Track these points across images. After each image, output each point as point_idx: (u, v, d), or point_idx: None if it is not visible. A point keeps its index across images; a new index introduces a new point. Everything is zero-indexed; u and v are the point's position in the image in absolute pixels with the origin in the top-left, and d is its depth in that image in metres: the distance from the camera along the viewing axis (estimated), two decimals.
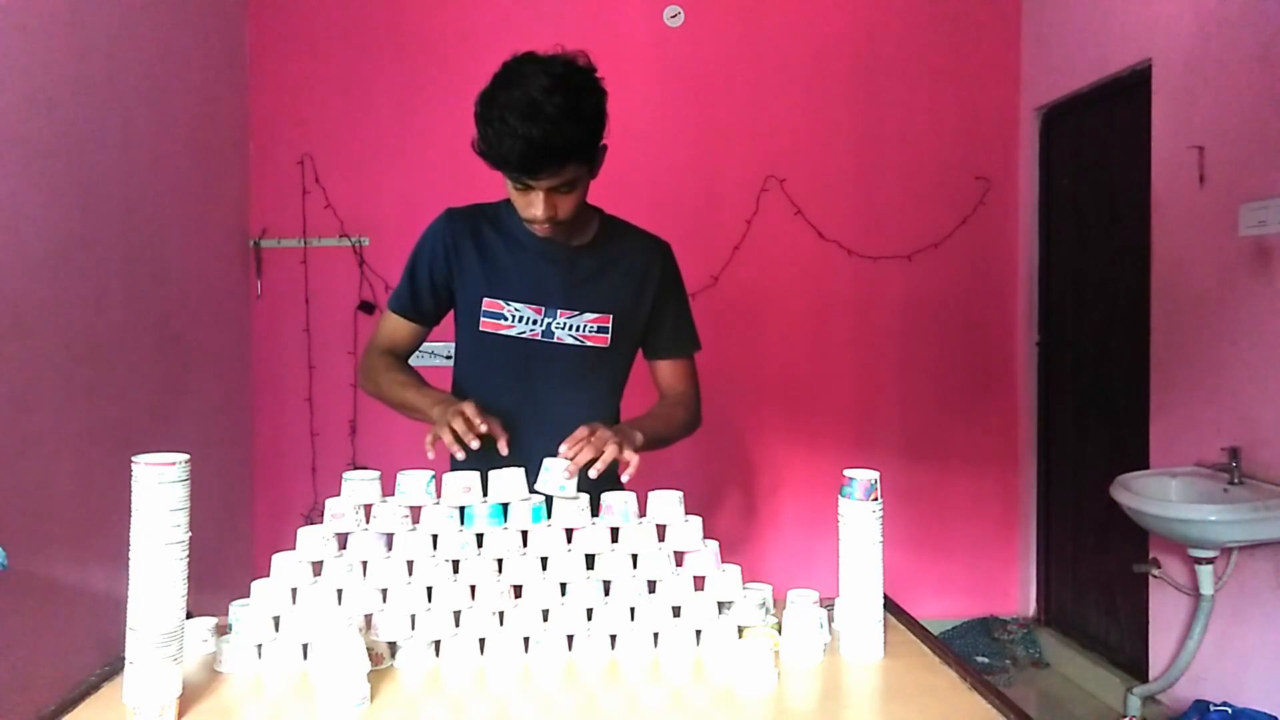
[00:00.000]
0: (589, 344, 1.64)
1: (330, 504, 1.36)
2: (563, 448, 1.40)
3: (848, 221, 3.65)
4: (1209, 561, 2.57)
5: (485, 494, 1.38)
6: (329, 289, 3.53)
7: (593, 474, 1.39)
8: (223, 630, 1.37)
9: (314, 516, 3.38)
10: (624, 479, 1.43)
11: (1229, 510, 2.40)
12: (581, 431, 1.42)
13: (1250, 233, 2.51)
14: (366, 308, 3.53)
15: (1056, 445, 3.60)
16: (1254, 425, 2.53)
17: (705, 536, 1.42)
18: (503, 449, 1.45)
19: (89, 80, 2.44)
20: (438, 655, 1.33)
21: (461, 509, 1.37)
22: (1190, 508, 2.50)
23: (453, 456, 1.42)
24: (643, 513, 1.42)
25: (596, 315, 1.64)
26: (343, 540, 1.35)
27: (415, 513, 1.38)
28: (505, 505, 1.38)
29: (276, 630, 1.32)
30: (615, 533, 1.39)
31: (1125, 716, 2.87)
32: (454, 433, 1.41)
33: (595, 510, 1.41)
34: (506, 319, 1.62)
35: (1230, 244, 2.59)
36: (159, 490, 1.14)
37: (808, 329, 3.67)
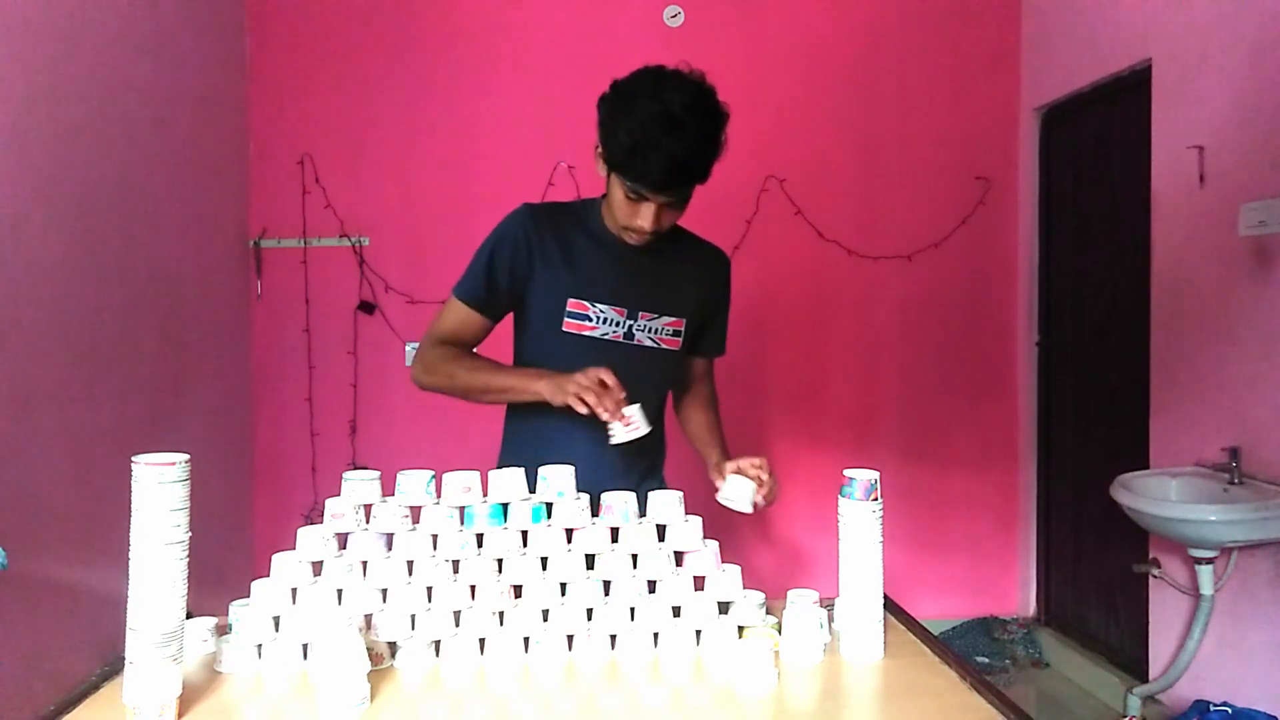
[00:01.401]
0: (665, 346, 1.68)
1: (330, 504, 1.36)
2: (751, 471, 1.57)
3: (848, 221, 3.65)
4: (1209, 561, 2.57)
5: (485, 494, 1.39)
6: (329, 289, 3.53)
7: (761, 502, 1.58)
8: (223, 630, 1.37)
9: (314, 516, 3.38)
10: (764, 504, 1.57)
11: (1229, 510, 2.40)
12: (760, 461, 1.60)
13: (1250, 233, 2.51)
14: (366, 308, 3.53)
15: (1056, 445, 3.60)
16: (1254, 425, 2.53)
17: (705, 536, 1.42)
18: (632, 419, 1.48)
19: (89, 80, 2.44)
20: (438, 655, 1.33)
21: (461, 509, 1.37)
22: (1190, 508, 2.50)
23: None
24: (643, 513, 1.42)
25: (673, 319, 1.67)
26: (343, 540, 1.35)
27: (415, 513, 1.39)
28: (505, 505, 1.38)
29: (276, 630, 1.32)
30: (615, 533, 1.39)
31: (1125, 716, 2.87)
32: (596, 396, 1.44)
33: (595, 510, 1.42)
34: (591, 320, 1.62)
35: (1230, 244, 2.59)
36: (159, 490, 1.14)
37: (808, 329, 3.67)
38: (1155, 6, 2.90)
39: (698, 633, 1.37)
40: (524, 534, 1.37)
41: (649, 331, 1.65)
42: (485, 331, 1.68)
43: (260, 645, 1.31)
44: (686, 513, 1.42)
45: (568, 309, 1.61)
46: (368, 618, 1.31)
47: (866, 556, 1.34)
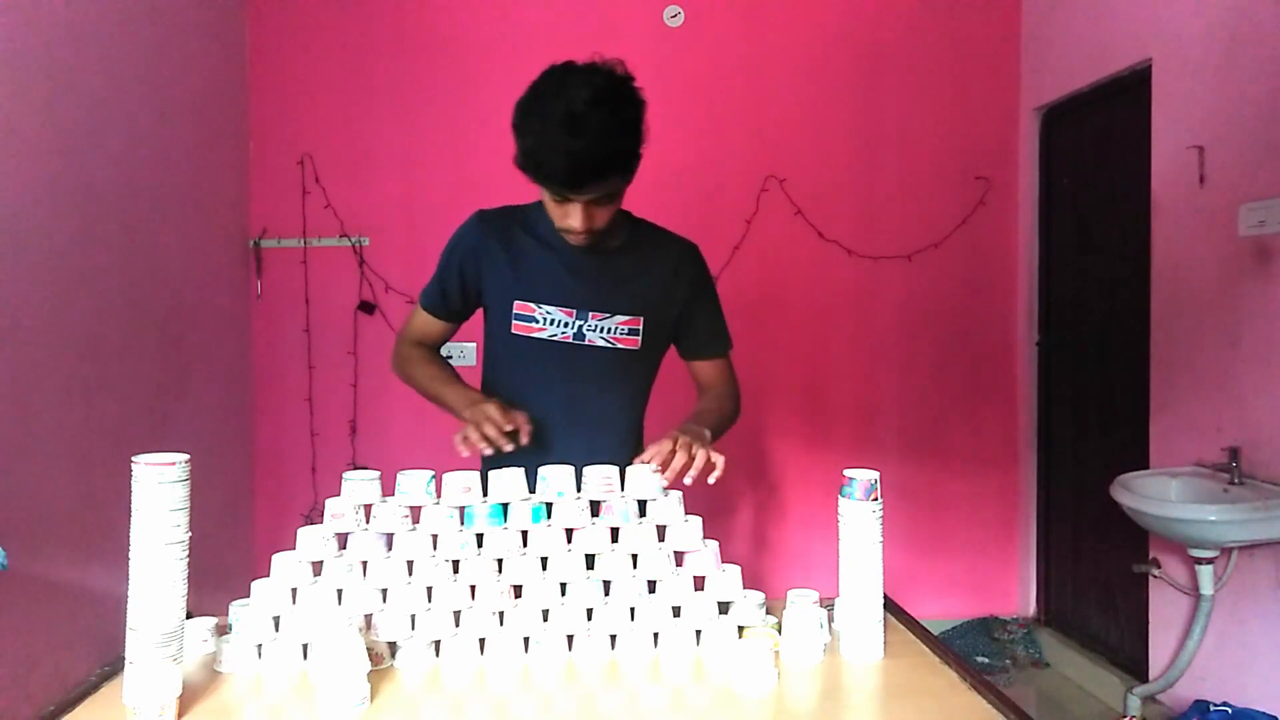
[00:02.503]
0: (620, 346, 1.65)
1: (330, 504, 1.36)
2: (649, 459, 1.42)
3: (848, 221, 3.65)
4: (1209, 561, 2.57)
5: (485, 494, 1.39)
6: (329, 289, 3.53)
7: (687, 481, 1.41)
8: (223, 630, 1.37)
9: (314, 516, 3.38)
10: (711, 480, 1.43)
11: (1229, 510, 2.40)
12: (666, 444, 1.43)
13: (1250, 233, 2.51)
14: (366, 308, 3.53)
15: (1056, 445, 3.60)
16: (1254, 425, 2.53)
17: (705, 536, 1.42)
18: (524, 439, 1.48)
19: (89, 80, 2.44)
20: (438, 655, 1.33)
21: (461, 509, 1.37)
22: (1190, 508, 2.50)
23: (492, 453, 1.45)
24: (643, 513, 1.42)
25: (628, 317, 1.64)
26: (343, 540, 1.35)
27: (415, 513, 1.38)
28: (505, 505, 1.38)
29: (276, 630, 1.32)
30: (615, 533, 1.39)
31: (1125, 716, 2.87)
32: (483, 434, 1.45)
33: (595, 511, 1.41)
34: (538, 321, 1.62)
35: (1230, 244, 2.59)
36: (159, 490, 1.14)
37: (808, 329, 3.67)
38: (1155, 6, 2.90)
39: (698, 633, 1.37)
40: (524, 534, 1.37)
41: (601, 331, 1.63)
42: (448, 333, 1.76)
43: (260, 645, 1.30)
44: (686, 513, 1.42)
45: (515, 311, 1.63)
46: (368, 618, 1.31)
47: (866, 556, 1.34)
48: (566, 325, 1.62)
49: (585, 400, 1.64)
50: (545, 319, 1.62)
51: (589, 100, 1.36)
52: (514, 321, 1.63)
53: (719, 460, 1.44)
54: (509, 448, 1.45)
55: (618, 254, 1.65)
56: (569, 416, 1.63)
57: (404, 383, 1.74)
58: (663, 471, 1.40)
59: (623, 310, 1.64)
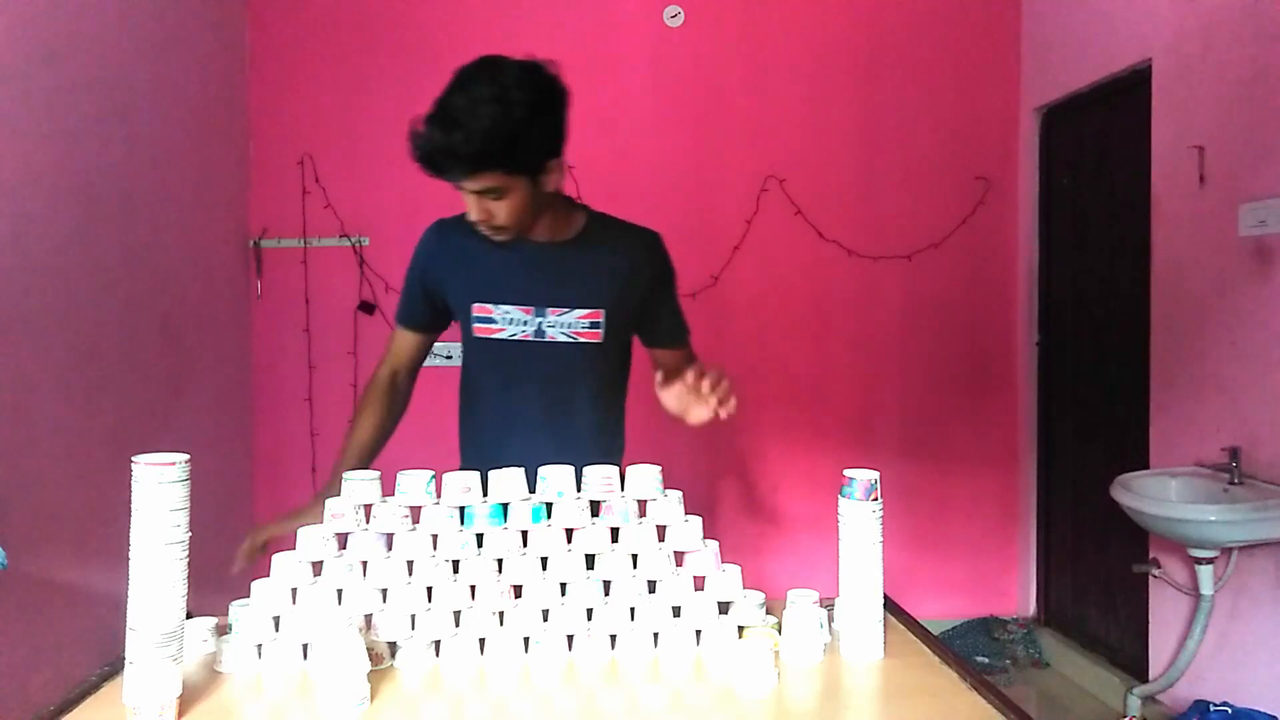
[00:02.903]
0: (582, 340, 1.65)
1: (330, 504, 1.36)
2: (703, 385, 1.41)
3: (848, 221, 3.65)
4: (1209, 561, 2.57)
5: (485, 494, 1.39)
6: (329, 289, 3.53)
7: (724, 415, 1.43)
8: (223, 630, 1.37)
9: None
10: (724, 415, 1.44)
11: (1229, 510, 2.40)
12: (702, 377, 1.43)
13: (1250, 233, 2.51)
14: (366, 308, 3.53)
15: (1056, 445, 3.60)
16: (1254, 425, 2.53)
17: (705, 536, 1.42)
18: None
19: (88, 80, 2.44)
20: (438, 655, 1.33)
21: (461, 509, 1.37)
22: (1190, 508, 2.50)
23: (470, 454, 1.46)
24: (642, 512, 1.42)
25: (587, 311, 1.64)
26: (343, 540, 1.35)
27: (415, 513, 1.38)
28: (505, 505, 1.38)
29: (276, 630, 1.32)
30: (615, 533, 1.39)
31: (1125, 716, 2.87)
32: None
33: (595, 511, 1.42)
34: (497, 322, 1.63)
35: (1230, 244, 2.59)
36: (159, 490, 1.14)
37: (808, 329, 3.67)
38: (1155, 6, 2.90)
39: (698, 633, 1.37)
40: (524, 534, 1.37)
41: (561, 327, 1.63)
42: (425, 345, 1.77)
43: (260, 645, 1.30)
44: (686, 513, 1.42)
45: (473, 314, 1.64)
46: (368, 618, 1.31)
47: (866, 556, 1.34)
48: (525, 323, 1.62)
49: (552, 397, 1.65)
50: (504, 319, 1.63)
51: (476, 98, 1.38)
52: (474, 324, 1.64)
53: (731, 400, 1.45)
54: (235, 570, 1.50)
55: (575, 248, 1.65)
56: (537, 414, 1.64)
57: None
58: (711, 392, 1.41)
59: (582, 304, 1.63)
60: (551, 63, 1.49)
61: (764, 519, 3.68)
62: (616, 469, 1.42)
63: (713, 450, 3.64)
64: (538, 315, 1.62)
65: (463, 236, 1.64)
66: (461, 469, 1.50)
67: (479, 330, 1.64)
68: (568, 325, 1.63)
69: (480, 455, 1.63)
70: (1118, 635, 3.23)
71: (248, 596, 1.34)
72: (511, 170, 1.45)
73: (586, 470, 1.42)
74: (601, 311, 1.64)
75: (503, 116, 1.39)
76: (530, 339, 1.63)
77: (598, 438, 1.70)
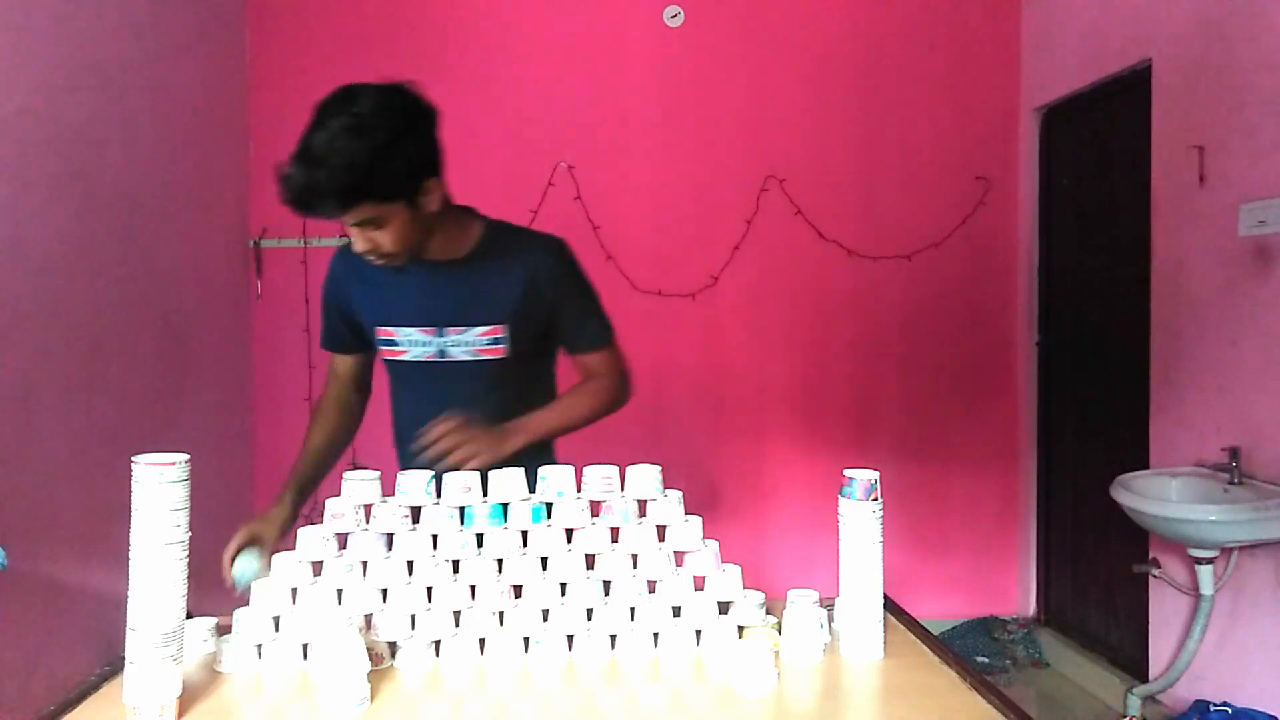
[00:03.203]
0: (486, 357, 1.62)
1: (330, 504, 1.36)
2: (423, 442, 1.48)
3: (848, 221, 3.65)
4: (1209, 561, 2.57)
5: (485, 494, 1.39)
6: None
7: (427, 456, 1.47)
8: (223, 630, 1.37)
9: (314, 516, 3.37)
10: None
11: (1229, 510, 2.40)
12: (440, 427, 1.49)
13: (1250, 233, 2.51)
14: None
15: (1056, 445, 3.60)
16: (1254, 425, 2.53)
17: (705, 536, 1.42)
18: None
19: (89, 80, 2.44)
20: (438, 655, 1.33)
21: (461, 509, 1.37)
22: (1190, 508, 2.49)
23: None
24: (642, 512, 1.42)
25: (487, 328, 1.60)
26: (343, 540, 1.36)
27: (415, 513, 1.39)
28: (505, 505, 1.38)
29: (276, 630, 1.32)
30: (615, 533, 1.39)
31: (1125, 716, 2.87)
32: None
33: (595, 511, 1.42)
34: (400, 344, 1.63)
35: (1230, 244, 2.59)
36: (159, 490, 1.14)
37: (808, 329, 3.66)
38: (1155, 6, 2.90)
39: (698, 633, 1.37)
40: (524, 534, 1.37)
41: (463, 346, 1.61)
42: (364, 363, 1.77)
43: (260, 645, 1.31)
44: (686, 513, 1.42)
45: (379, 337, 1.64)
46: (368, 618, 1.31)
47: (866, 556, 1.34)
48: (427, 344, 1.62)
49: (459, 414, 1.61)
50: (406, 341, 1.62)
51: (334, 130, 1.36)
52: (380, 347, 1.65)
53: (463, 461, 1.47)
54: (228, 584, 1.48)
55: (470, 264, 1.61)
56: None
57: None
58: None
59: (480, 321, 1.60)
60: (412, 83, 1.46)
61: (764, 519, 3.68)
62: (616, 469, 1.42)
63: (713, 450, 3.64)
64: (438, 335, 1.61)
65: (363, 261, 1.61)
66: (402, 464, 1.53)
67: (385, 353, 1.66)
68: (469, 344, 1.61)
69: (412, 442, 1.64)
70: (1118, 635, 3.22)
71: (249, 600, 1.34)
72: (383, 198, 1.42)
73: (587, 470, 1.42)
74: (502, 327, 1.60)
75: (362, 147, 1.36)
76: (434, 359, 1.62)
77: (520, 453, 1.62)
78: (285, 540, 1.40)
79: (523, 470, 1.41)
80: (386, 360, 1.67)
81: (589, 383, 1.73)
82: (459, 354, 1.61)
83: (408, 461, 1.62)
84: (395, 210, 1.44)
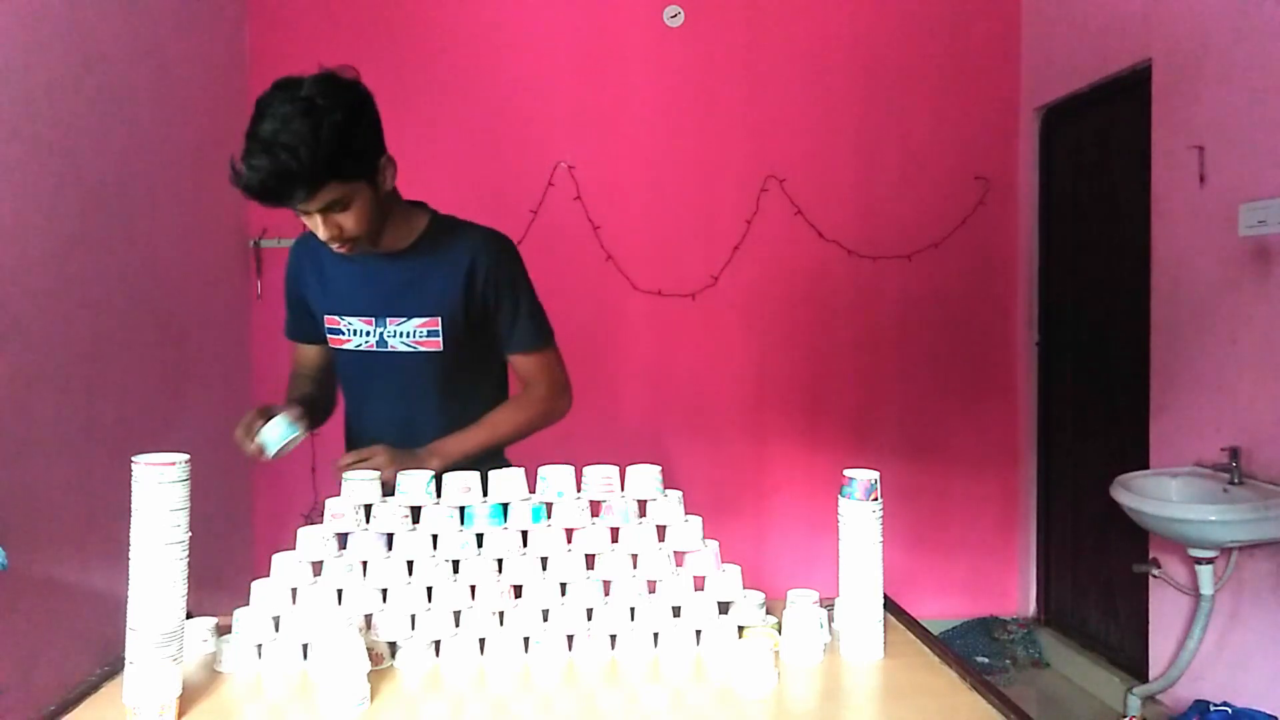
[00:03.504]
0: (423, 349, 1.63)
1: (330, 504, 1.36)
2: (341, 462, 1.53)
3: (848, 221, 3.65)
4: (1209, 561, 2.57)
5: (485, 494, 1.39)
6: None
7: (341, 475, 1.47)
8: (223, 630, 1.37)
9: (314, 516, 3.37)
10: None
11: (1229, 510, 2.40)
12: (349, 458, 1.53)
13: (1250, 233, 2.51)
14: None
15: (1056, 445, 3.60)
16: (1254, 425, 2.53)
17: (705, 536, 1.42)
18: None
19: (89, 80, 2.44)
20: (438, 655, 1.33)
21: (461, 509, 1.37)
22: (1190, 508, 2.50)
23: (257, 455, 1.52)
24: (642, 512, 1.42)
25: (424, 319, 1.62)
26: (343, 540, 1.36)
27: (415, 513, 1.39)
28: (505, 505, 1.38)
29: (276, 630, 1.32)
30: (615, 533, 1.39)
31: (1125, 716, 2.87)
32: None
33: (595, 511, 1.42)
34: (344, 333, 1.65)
35: (1230, 244, 2.59)
36: (159, 490, 1.14)
37: (808, 329, 3.67)
38: (1155, 6, 2.90)
39: (698, 633, 1.37)
40: (524, 534, 1.37)
41: (401, 336, 1.63)
42: (322, 353, 1.79)
43: (260, 645, 1.31)
44: (686, 513, 1.42)
45: (326, 325, 1.67)
46: (368, 618, 1.31)
47: (866, 556, 1.34)
48: (368, 334, 1.64)
49: (405, 407, 1.66)
50: (349, 329, 1.65)
51: (283, 116, 1.35)
52: (328, 335, 1.68)
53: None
54: (250, 447, 1.52)
55: (411, 255, 1.63)
56: (394, 425, 1.64)
57: None
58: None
59: (418, 312, 1.61)
60: (344, 68, 1.46)
61: (764, 519, 3.68)
62: (616, 469, 1.42)
63: (713, 450, 3.64)
64: (378, 325, 1.63)
65: (316, 248, 1.65)
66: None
67: (332, 341, 1.68)
68: (407, 334, 1.63)
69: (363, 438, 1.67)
70: (1118, 635, 3.23)
71: (247, 596, 1.34)
72: (348, 177, 1.44)
73: (586, 470, 1.42)
74: (438, 319, 1.61)
75: (320, 126, 1.37)
76: (374, 349, 1.64)
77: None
78: (285, 540, 1.40)
79: (523, 470, 1.41)
80: (334, 350, 1.70)
81: (520, 396, 1.74)
82: (397, 345, 1.63)
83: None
84: (358, 189, 1.47)
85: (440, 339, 1.62)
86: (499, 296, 1.65)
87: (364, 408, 1.70)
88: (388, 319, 1.62)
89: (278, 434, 1.49)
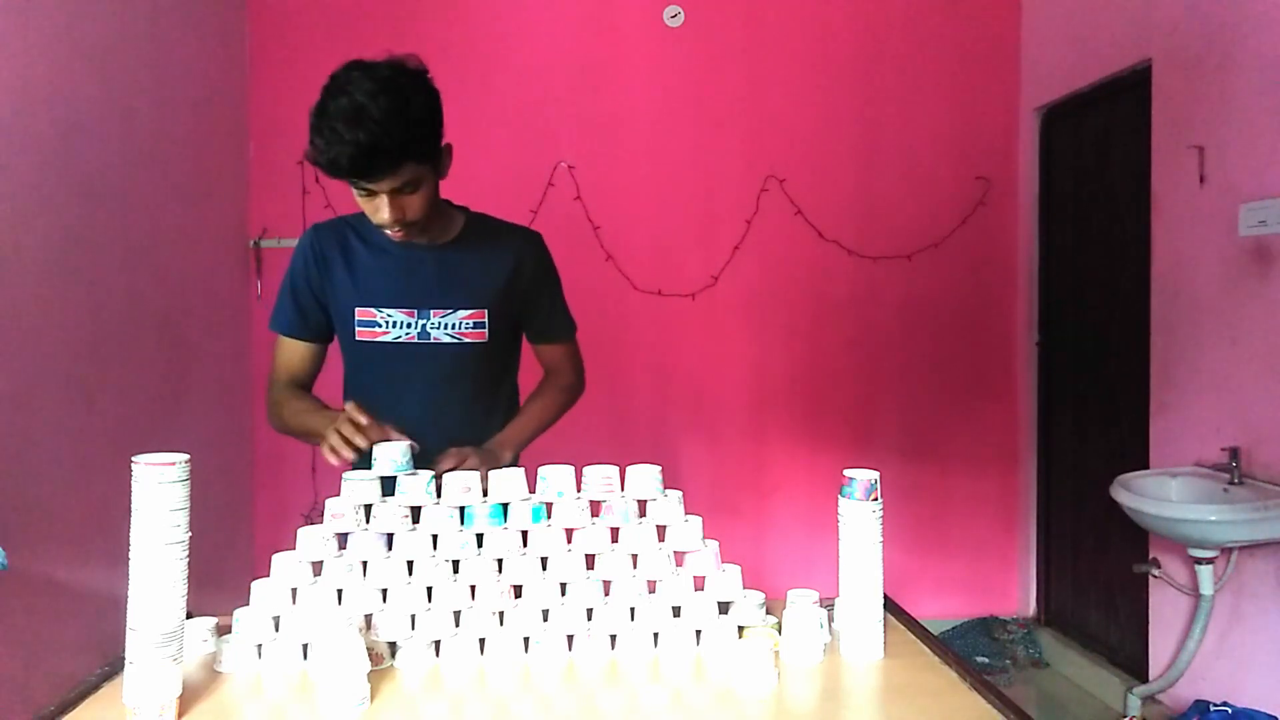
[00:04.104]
0: (467, 340, 1.66)
1: (330, 504, 1.36)
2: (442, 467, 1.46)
3: (848, 221, 3.65)
4: (1209, 561, 2.57)
5: (485, 494, 1.39)
6: None
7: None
8: (223, 630, 1.37)
9: (314, 516, 3.37)
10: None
11: (1229, 510, 2.40)
12: (449, 461, 1.47)
13: (1250, 233, 2.51)
14: None
15: (1056, 445, 3.60)
16: (1254, 425, 2.53)
17: (705, 536, 1.42)
18: (391, 438, 1.45)
19: (89, 80, 2.44)
20: (438, 655, 1.33)
21: (461, 509, 1.37)
22: (1190, 508, 2.50)
23: (355, 456, 1.44)
24: (642, 512, 1.42)
25: (471, 311, 1.65)
26: (343, 540, 1.35)
27: (415, 513, 1.39)
28: (505, 505, 1.38)
29: (276, 630, 1.32)
30: (615, 533, 1.39)
31: (1125, 716, 2.87)
32: (341, 436, 1.43)
33: (595, 511, 1.42)
34: (381, 325, 1.64)
35: (1230, 244, 2.59)
36: (159, 490, 1.14)
37: (808, 329, 3.67)
38: (1155, 6, 2.90)
39: (698, 633, 1.37)
40: (524, 534, 1.37)
41: (445, 328, 1.64)
42: (316, 358, 1.75)
43: (260, 645, 1.31)
44: (686, 513, 1.42)
45: (357, 318, 1.64)
46: (368, 618, 1.31)
47: (866, 556, 1.34)
48: (409, 326, 1.64)
49: (440, 398, 1.66)
50: (387, 322, 1.64)
51: (369, 92, 1.37)
52: (357, 328, 1.65)
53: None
54: (363, 444, 1.43)
55: (454, 249, 1.66)
56: (426, 416, 1.61)
57: (281, 432, 1.71)
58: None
59: (465, 304, 1.65)
60: (412, 56, 1.49)
61: (764, 519, 3.68)
62: (616, 469, 1.43)
63: (713, 450, 3.63)
64: (421, 317, 1.64)
65: (344, 238, 1.65)
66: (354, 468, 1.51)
67: (362, 334, 1.65)
68: (452, 326, 1.64)
69: (368, 459, 1.56)
70: (1118, 635, 3.23)
71: (247, 596, 1.34)
72: (423, 158, 1.46)
73: (586, 470, 1.42)
74: (485, 311, 1.65)
75: (407, 104, 1.40)
76: (415, 340, 1.64)
77: (483, 437, 1.67)
78: (285, 540, 1.40)
79: (523, 470, 1.42)
80: (359, 344, 1.65)
81: (549, 383, 1.81)
82: (441, 336, 1.64)
83: (371, 451, 1.61)
84: (426, 174, 1.50)
85: (485, 330, 1.66)
86: (540, 291, 1.74)
87: (393, 398, 1.61)
88: (431, 310, 1.63)
89: (401, 461, 1.42)
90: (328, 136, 1.37)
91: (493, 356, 1.71)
